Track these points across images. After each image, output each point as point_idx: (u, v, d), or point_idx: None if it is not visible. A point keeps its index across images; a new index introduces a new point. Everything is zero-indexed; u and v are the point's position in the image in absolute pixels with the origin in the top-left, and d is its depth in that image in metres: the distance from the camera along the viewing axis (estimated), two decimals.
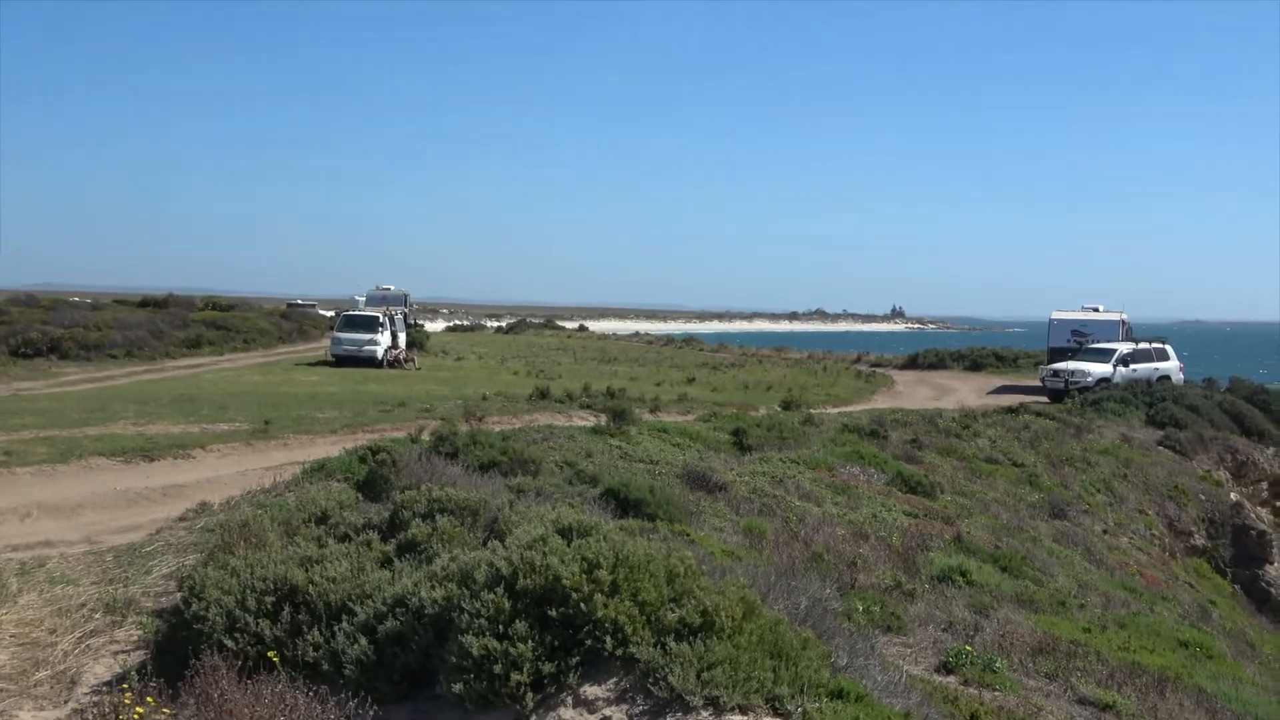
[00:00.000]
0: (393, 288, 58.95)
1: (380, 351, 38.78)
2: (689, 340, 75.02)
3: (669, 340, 77.07)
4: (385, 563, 8.34)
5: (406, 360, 39.86)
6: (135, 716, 6.26)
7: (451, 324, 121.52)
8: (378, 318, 40.22)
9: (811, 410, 29.49)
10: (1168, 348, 40.21)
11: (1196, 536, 24.91)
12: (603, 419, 22.82)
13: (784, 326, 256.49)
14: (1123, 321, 43.24)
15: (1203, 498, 26.35)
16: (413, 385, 30.83)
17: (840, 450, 21.85)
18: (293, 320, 54.32)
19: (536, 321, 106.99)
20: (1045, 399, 37.44)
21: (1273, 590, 24.04)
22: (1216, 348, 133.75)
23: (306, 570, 7.88)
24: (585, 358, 53.61)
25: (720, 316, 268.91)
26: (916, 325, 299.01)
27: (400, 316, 44.70)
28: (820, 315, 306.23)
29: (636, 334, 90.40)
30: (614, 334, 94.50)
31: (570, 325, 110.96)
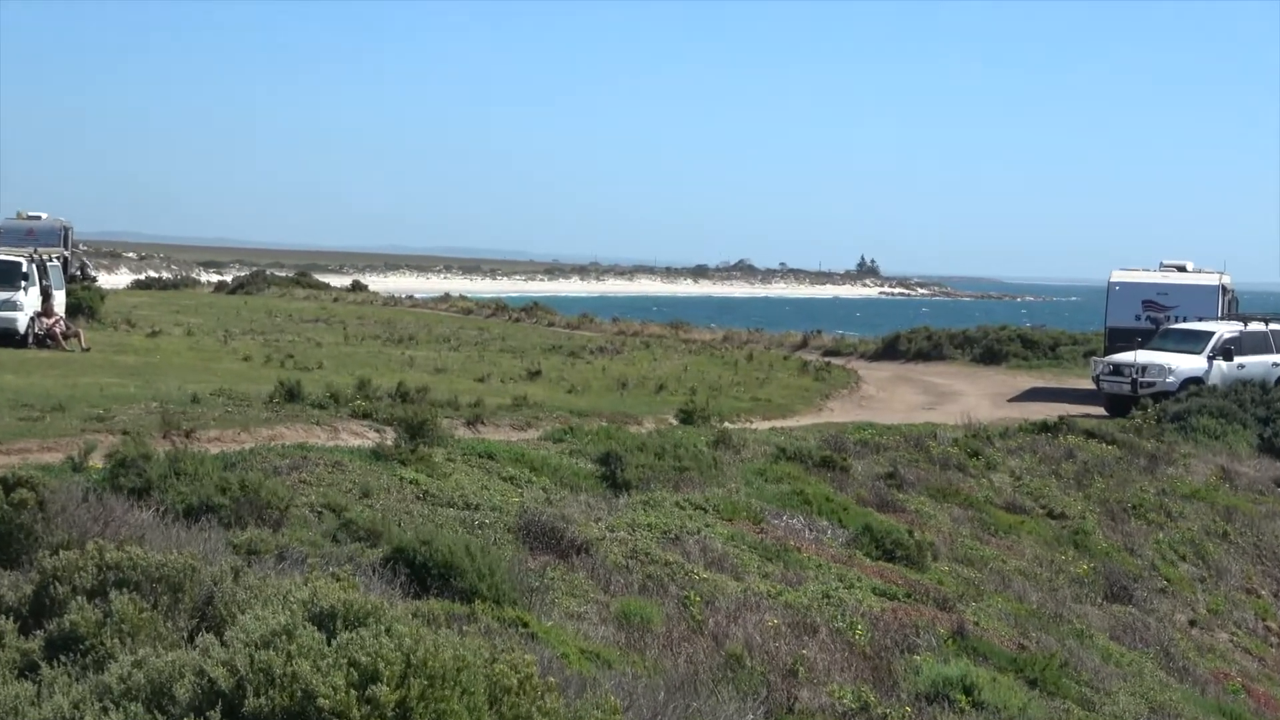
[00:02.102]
0: (44, 216, 58.24)
1: (22, 320, 39.01)
2: (533, 308, 75.27)
3: (499, 308, 77.28)
4: (26, 670, 8.21)
5: (68, 335, 39.96)
6: None
7: (143, 276, 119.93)
8: (19, 265, 39.86)
9: (729, 425, 29.77)
10: None
11: None
12: (390, 436, 22.70)
13: (684, 288, 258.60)
14: (1223, 288, 43.14)
15: None
16: (78, 376, 30.41)
17: (774, 490, 22.19)
18: None
19: (282, 275, 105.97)
20: (1100, 409, 38.31)
21: None
22: None
23: None
24: (363, 335, 53.60)
25: (582, 272, 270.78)
26: (897, 290, 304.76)
27: (57, 263, 44.26)
28: (744, 272, 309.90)
29: (446, 297, 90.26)
30: (410, 296, 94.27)
31: (338, 282, 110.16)
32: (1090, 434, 32.40)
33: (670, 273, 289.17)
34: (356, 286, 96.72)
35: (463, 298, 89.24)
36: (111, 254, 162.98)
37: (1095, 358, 42.68)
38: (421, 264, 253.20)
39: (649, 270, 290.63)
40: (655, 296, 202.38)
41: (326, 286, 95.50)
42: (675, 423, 30.26)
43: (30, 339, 38.98)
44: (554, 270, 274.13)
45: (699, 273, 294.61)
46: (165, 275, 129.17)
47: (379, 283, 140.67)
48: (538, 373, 40.44)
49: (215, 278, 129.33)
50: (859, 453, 27.55)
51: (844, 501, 22.52)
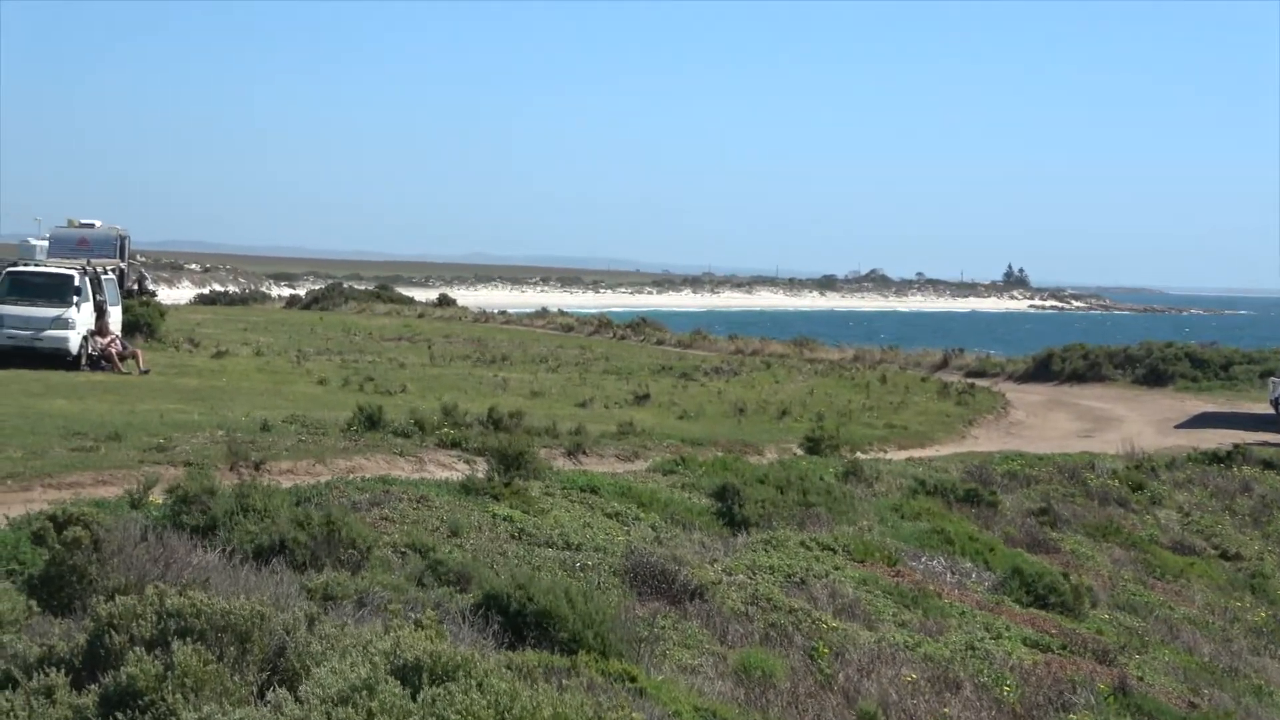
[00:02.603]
0: (98, 224, 58.36)
1: (75, 340, 39.58)
2: (640, 325, 75.43)
3: (603, 324, 77.50)
4: None
5: (125, 356, 40.55)
6: None
7: (207, 291, 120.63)
8: (71, 279, 40.51)
9: (860, 455, 29.92)
10: None
11: None
12: (481, 467, 22.86)
13: (809, 301, 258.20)
14: None
15: None
16: (135, 402, 30.83)
17: (911, 529, 22.17)
18: None
19: (361, 288, 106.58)
20: None
21: None
22: None
23: None
24: (451, 355, 54.04)
25: (695, 284, 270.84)
26: (1049, 303, 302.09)
27: (112, 277, 44.84)
28: (876, 284, 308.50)
29: (544, 312, 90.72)
30: (502, 311, 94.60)
31: (423, 296, 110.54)
32: (1268, 465, 31.98)
33: (793, 285, 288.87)
34: (443, 301, 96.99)
35: (562, 313, 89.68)
36: (172, 265, 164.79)
37: (1274, 378, 42.03)
38: (516, 276, 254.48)
39: (769, 282, 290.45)
40: (777, 311, 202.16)
41: (410, 301, 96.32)
42: (800, 452, 30.23)
43: (84, 360, 39.55)
44: (663, 282, 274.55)
45: (825, 284, 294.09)
46: (232, 289, 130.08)
47: (468, 296, 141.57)
48: (646, 396, 40.54)
49: (287, 291, 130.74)
50: (1007, 486, 27.34)
51: (990, 541, 22.31)
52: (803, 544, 19.90)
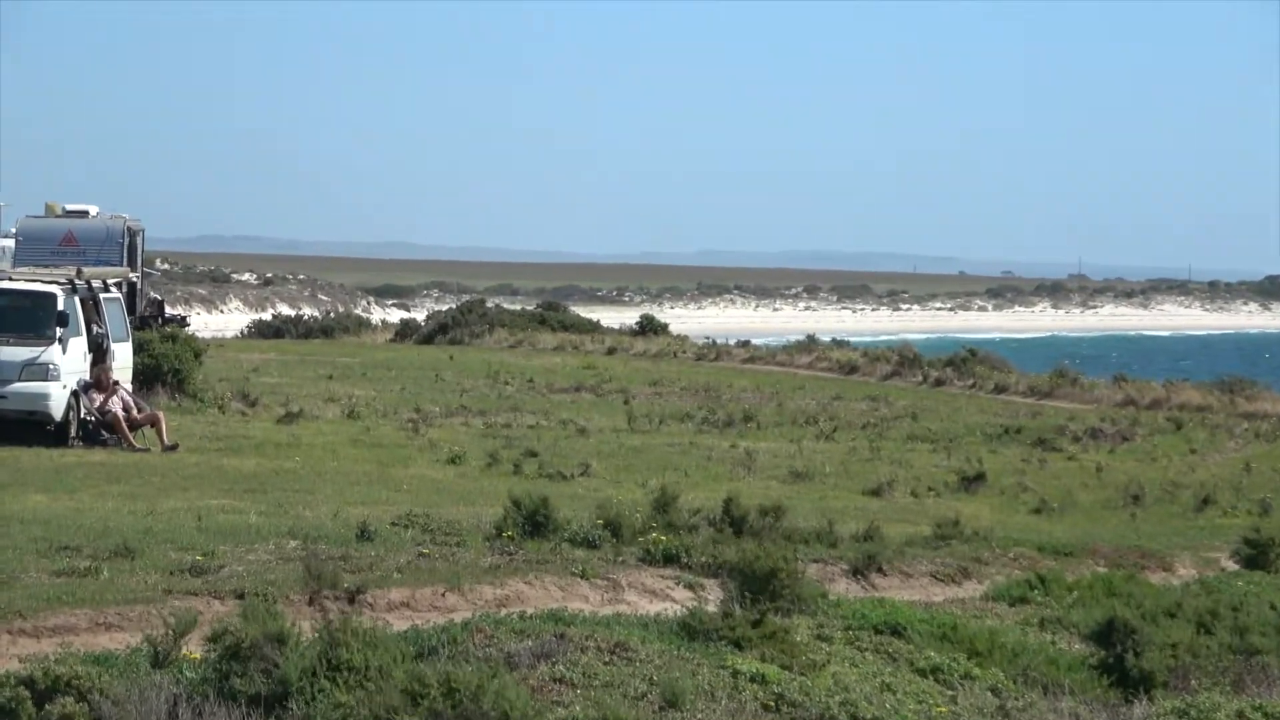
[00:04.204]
0: (94, 211, 58.68)
1: (59, 398, 39.24)
2: (966, 361, 74.75)
3: (906, 361, 76.65)
4: None
5: (139, 421, 40.30)
6: None
7: (268, 315, 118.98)
8: (51, 300, 40.14)
9: None
10: None
11: None
12: (714, 595, 22.83)
13: (1239, 320, 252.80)
14: None
15: None
16: (158, 496, 30.87)
17: None
18: None
19: (514, 308, 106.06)
20: None
21: None
22: None
23: None
24: (662, 414, 53.92)
25: (1054, 293, 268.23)
26: None
27: (117, 295, 45.03)
28: None
29: (810, 344, 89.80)
30: (744, 342, 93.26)
31: (612, 318, 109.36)
32: None
33: (1216, 292, 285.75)
34: (648, 327, 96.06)
35: (839, 343, 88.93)
36: (214, 277, 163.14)
37: None
38: (761, 284, 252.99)
39: (1177, 287, 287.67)
40: (1190, 335, 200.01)
41: (593, 327, 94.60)
42: (1233, 566, 29.72)
43: (74, 430, 39.30)
44: (1004, 290, 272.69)
45: (1270, 291, 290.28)
46: (307, 311, 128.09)
47: (685, 318, 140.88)
48: (979, 477, 40.23)
49: (395, 315, 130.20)
50: None
51: None
52: (1241, 715, 19.45)
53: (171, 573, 23.27)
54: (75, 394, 39.57)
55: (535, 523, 27.10)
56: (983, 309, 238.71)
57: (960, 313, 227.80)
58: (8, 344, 39.32)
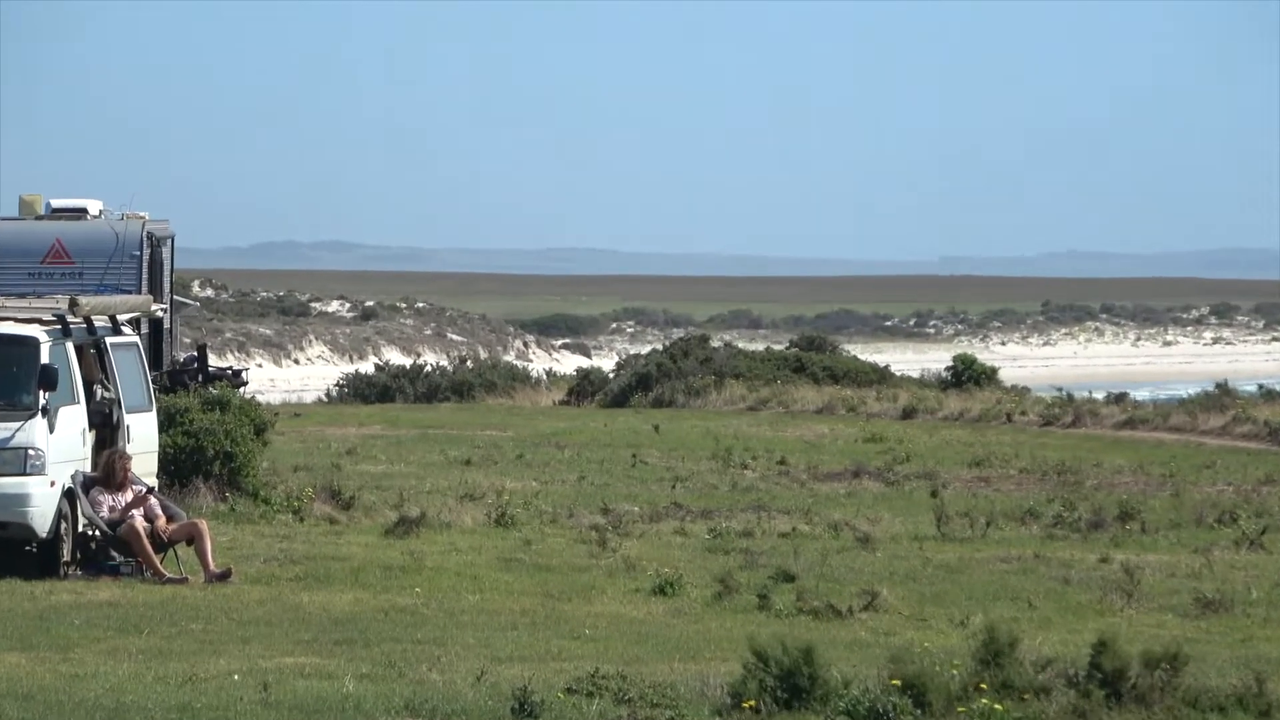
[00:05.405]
0: (96, 209, 52.48)
1: (47, 502, 33.50)
2: None
3: None
4: None
5: (173, 538, 34.76)
6: None
7: (368, 366, 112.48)
8: (32, 347, 33.80)
9: None
10: None
11: None
12: None
13: None
14: None
15: None
16: (202, 655, 26.79)
17: None
18: None
19: (756, 348, 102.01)
20: None
21: None
22: None
23: None
24: (989, 512, 49.26)
25: None
26: None
27: (134, 338, 39.50)
28: None
29: (1222, 392, 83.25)
30: (1111, 398, 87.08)
31: (918, 361, 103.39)
32: None
33: None
34: (961, 375, 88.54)
35: (1269, 396, 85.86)
36: (283, 306, 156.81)
37: None
38: (1144, 299, 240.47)
39: None
40: None
41: (878, 377, 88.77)
42: None
43: (68, 549, 33.66)
44: None
45: None
46: (430, 359, 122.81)
47: (1024, 358, 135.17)
48: None
49: (570, 362, 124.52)
50: None
51: None
52: None
53: None
54: (70, 495, 33.62)
55: (793, 687, 22.66)
56: None
57: None
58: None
